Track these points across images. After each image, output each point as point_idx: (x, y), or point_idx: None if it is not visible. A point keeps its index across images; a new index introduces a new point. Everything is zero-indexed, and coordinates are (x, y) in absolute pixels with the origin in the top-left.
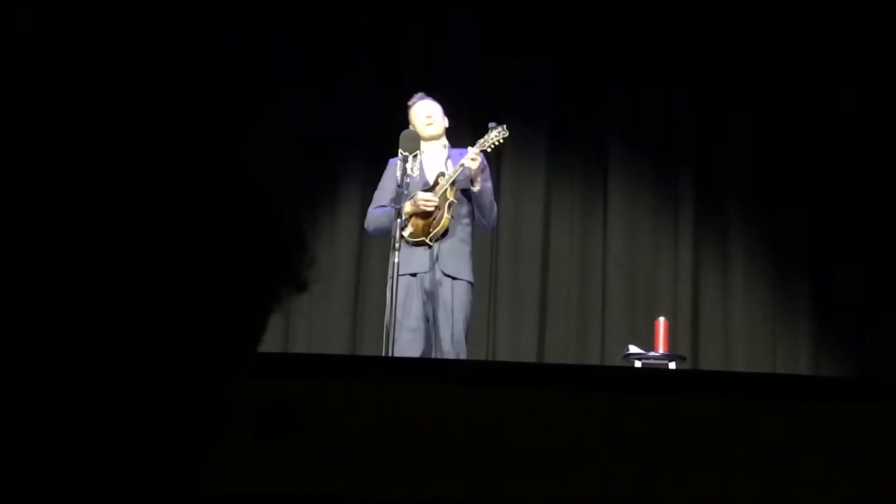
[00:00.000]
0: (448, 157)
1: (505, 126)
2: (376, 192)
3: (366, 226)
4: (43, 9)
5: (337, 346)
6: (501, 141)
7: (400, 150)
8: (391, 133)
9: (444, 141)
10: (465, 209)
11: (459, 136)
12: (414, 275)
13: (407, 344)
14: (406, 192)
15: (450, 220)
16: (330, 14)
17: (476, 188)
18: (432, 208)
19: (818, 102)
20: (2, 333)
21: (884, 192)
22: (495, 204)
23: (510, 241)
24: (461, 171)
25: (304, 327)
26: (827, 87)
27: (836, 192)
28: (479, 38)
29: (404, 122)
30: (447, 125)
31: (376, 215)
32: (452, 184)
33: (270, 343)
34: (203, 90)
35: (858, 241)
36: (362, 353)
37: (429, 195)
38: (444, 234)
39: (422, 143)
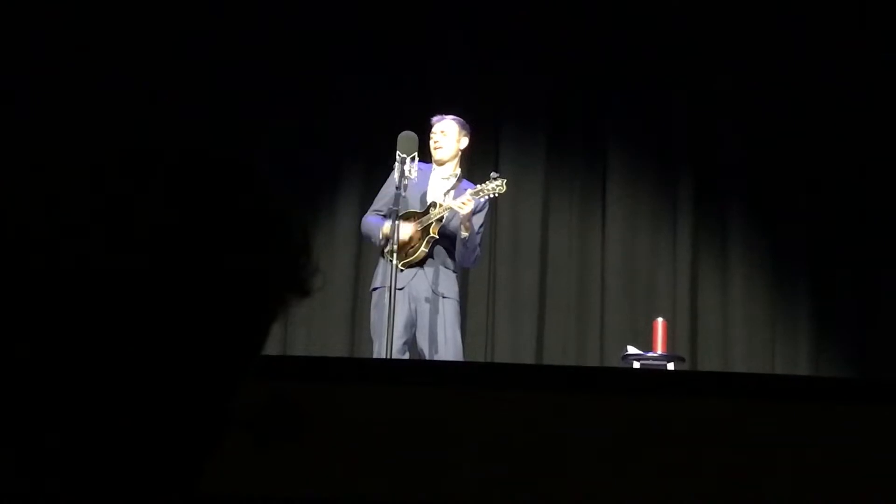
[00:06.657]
0: (453, 188)
1: (505, 181)
2: (378, 195)
3: (361, 227)
4: (47, 12)
5: (335, 349)
6: (498, 194)
7: (398, 152)
8: (391, 134)
9: (456, 170)
10: (451, 241)
11: None
12: (401, 288)
13: (396, 354)
14: (403, 195)
15: (425, 252)
16: (330, 15)
17: (464, 234)
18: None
19: (817, 103)
20: (5, 333)
21: (883, 192)
22: (479, 249)
23: (509, 243)
24: (451, 212)
25: (303, 331)
26: (826, 88)
27: (835, 193)
28: (479, 41)
29: (404, 124)
30: (464, 147)
31: (369, 223)
32: (439, 220)
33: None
34: (203, 91)
35: (857, 241)
36: (361, 357)
37: (408, 229)
38: (421, 262)
39: (433, 164)
